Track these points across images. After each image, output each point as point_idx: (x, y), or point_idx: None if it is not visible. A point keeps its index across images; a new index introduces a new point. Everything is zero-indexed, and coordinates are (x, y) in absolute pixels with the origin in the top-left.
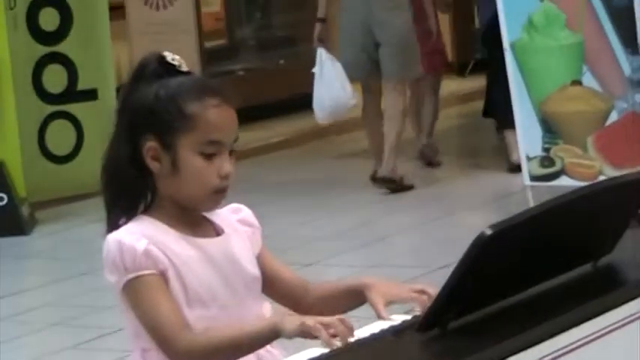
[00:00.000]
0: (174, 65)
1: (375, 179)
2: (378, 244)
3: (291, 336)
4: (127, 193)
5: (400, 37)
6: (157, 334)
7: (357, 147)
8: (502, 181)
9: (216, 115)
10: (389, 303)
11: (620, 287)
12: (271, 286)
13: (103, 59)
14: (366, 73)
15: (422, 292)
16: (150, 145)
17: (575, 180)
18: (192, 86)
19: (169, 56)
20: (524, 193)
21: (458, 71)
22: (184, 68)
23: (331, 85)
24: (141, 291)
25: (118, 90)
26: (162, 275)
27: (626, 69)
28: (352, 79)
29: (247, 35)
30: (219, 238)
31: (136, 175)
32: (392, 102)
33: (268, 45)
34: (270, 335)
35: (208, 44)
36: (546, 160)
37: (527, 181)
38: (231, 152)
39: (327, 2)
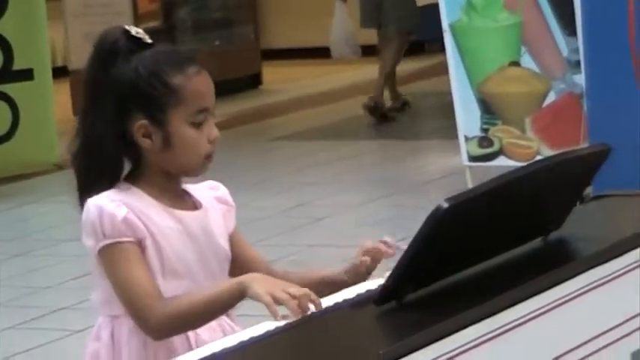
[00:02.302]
0: (140, 38)
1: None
2: (316, 225)
3: (256, 297)
4: (111, 169)
5: None
6: (130, 301)
7: (293, 129)
8: (441, 162)
9: (199, 83)
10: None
11: (570, 262)
12: (238, 267)
13: (39, 39)
14: (376, 22)
15: (373, 249)
16: (140, 123)
17: (514, 160)
18: (169, 58)
19: (133, 30)
20: (462, 173)
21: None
22: (148, 40)
23: (342, 29)
24: (116, 257)
25: (54, 70)
26: (140, 244)
27: (564, 50)
28: (365, 26)
29: (182, 17)
30: (198, 211)
31: (123, 151)
32: (389, 45)
33: (204, 27)
34: (237, 294)
35: (143, 26)
36: (485, 141)
37: (466, 162)
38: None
39: None
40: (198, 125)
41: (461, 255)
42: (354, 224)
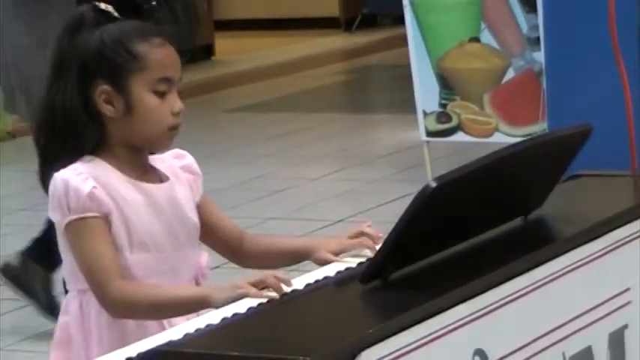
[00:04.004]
0: (108, 12)
1: None
2: (273, 198)
3: (221, 305)
4: (76, 139)
5: None
6: (91, 276)
7: (245, 102)
8: (398, 136)
9: (163, 54)
10: (337, 255)
11: (550, 242)
12: (209, 235)
13: None
14: None
15: (360, 233)
16: (102, 88)
17: (471, 136)
18: (134, 28)
19: (102, 5)
20: (418, 147)
21: (345, 26)
22: (117, 14)
23: None
24: (81, 233)
25: None
26: (106, 218)
27: (524, 27)
28: None
29: None
30: (165, 184)
31: (86, 120)
32: None
33: None
34: (198, 304)
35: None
36: (443, 116)
37: (424, 137)
38: (177, 92)
39: None
40: (160, 94)
41: (445, 234)
42: (312, 197)
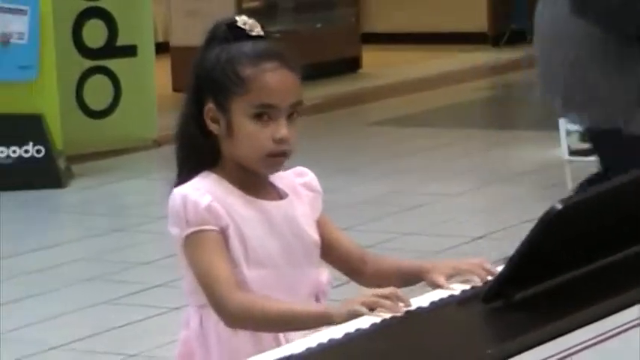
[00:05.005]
0: (244, 29)
1: None
2: (410, 213)
3: (341, 322)
4: (194, 152)
5: None
6: (209, 287)
7: (390, 115)
8: (541, 154)
9: (270, 79)
10: (450, 278)
11: None
12: (329, 253)
13: (143, 16)
14: None
15: (478, 266)
16: (209, 106)
17: None
18: (252, 50)
19: (240, 21)
20: (559, 166)
21: (493, 42)
22: (255, 32)
23: None
24: (200, 245)
25: (157, 46)
26: (223, 232)
27: None
28: None
29: None
30: (282, 201)
31: (200, 136)
32: None
33: (305, 8)
34: (318, 321)
35: (246, 5)
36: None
37: (566, 155)
38: (293, 114)
39: None
40: (261, 120)
41: (568, 256)
42: (451, 213)
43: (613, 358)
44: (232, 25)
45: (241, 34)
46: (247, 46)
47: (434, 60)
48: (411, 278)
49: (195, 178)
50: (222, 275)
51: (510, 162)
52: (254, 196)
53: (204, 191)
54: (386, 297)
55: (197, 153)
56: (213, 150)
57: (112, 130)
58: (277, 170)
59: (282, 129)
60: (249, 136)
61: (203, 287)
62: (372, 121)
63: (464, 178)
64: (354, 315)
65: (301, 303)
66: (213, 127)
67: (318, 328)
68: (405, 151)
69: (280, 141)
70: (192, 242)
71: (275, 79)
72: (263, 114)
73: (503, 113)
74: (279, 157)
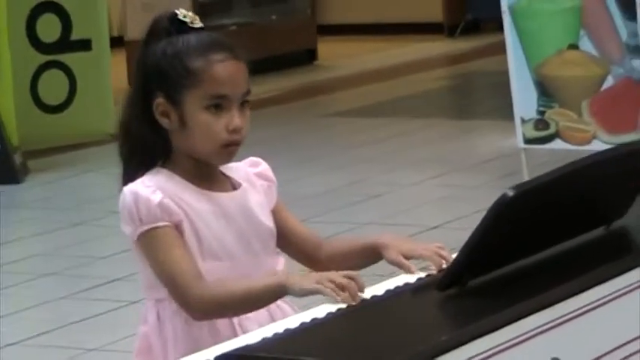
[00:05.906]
0: (185, 22)
1: None
2: (371, 202)
3: (298, 294)
4: (142, 148)
5: None
6: (171, 283)
7: (346, 106)
8: (496, 143)
9: (220, 70)
10: (407, 259)
11: (632, 251)
12: (285, 241)
13: (98, 10)
14: None
15: (436, 253)
16: (158, 101)
17: (569, 144)
18: (198, 43)
19: (181, 14)
20: (516, 155)
21: (448, 32)
22: (197, 25)
23: None
24: (155, 242)
25: (112, 41)
26: (177, 227)
27: (624, 34)
28: None
29: None
30: (236, 192)
31: (148, 131)
32: None
33: (260, 0)
34: (277, 291)
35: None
36: (541, 123)
37: (521, 144)
38: (243, 104)
39: None
40: (215, 111)
41: (523, 243)
42: (408, 203)
43: (567, 343)
44: (174, 19)
45: (184, 27)
46: (193, 39)
47: (390, 51)
48: (369, 254)
49: (146, 175)
50: (183, 268)
51: (467, 151)
52: (207, 188)
53: (155, 188)
54: (352, 278)
55: (144, 149)
56: (162, 145)
57: (69, 125)
58: (230, 160)
59: (236, 119)
60: (203, 128)
61: (164, 284)
62: (329, 113)
63: (420, 168)
64: (311, 291)
65: (261, 278)
66: (163, 121)
67: (276, 317)
68: (363, 142)
69: (234, 131)
70: (148, 240)
71: (225, 70)
72: (216, 105)
73: (460, 103)
74: (233, 147)
